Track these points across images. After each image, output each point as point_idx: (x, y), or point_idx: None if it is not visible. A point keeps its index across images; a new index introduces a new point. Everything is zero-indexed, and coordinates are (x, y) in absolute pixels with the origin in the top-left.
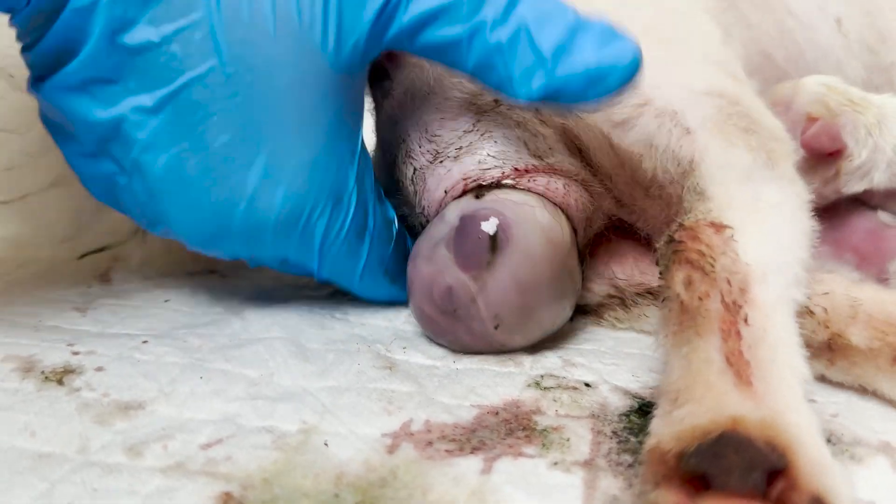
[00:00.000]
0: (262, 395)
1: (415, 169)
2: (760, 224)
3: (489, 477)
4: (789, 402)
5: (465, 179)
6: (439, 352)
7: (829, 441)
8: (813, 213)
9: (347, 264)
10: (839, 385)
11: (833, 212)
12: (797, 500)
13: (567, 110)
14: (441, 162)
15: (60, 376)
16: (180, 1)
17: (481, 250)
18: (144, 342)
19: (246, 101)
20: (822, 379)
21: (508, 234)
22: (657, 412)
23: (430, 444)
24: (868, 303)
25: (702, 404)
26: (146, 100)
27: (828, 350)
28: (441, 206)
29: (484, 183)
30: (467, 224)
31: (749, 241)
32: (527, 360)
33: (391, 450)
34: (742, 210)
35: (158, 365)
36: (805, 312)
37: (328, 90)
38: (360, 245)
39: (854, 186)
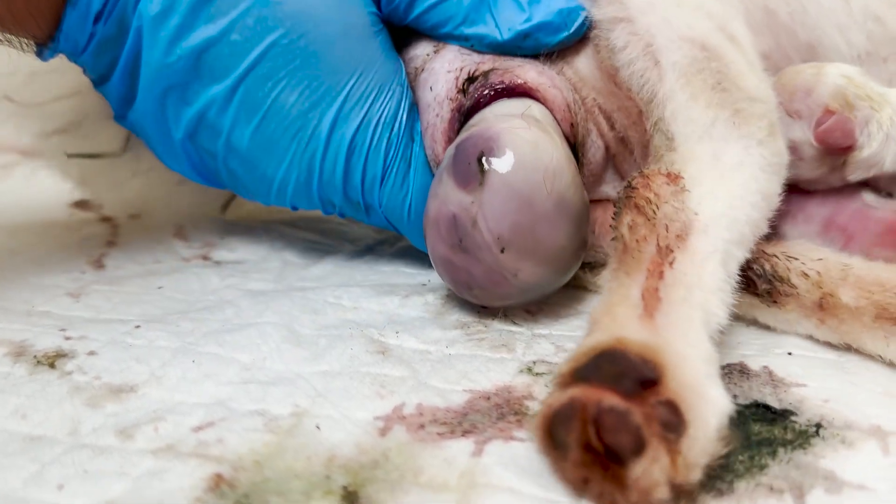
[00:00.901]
0: (254, 379)
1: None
2: (716, 182)
3: (480, 459)
4: (684, 336)
5: (451, 72)
6: (433, 335)
7: (818, 426)
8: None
9: (399, 194)
10: (832, 374)
11: (822, 191)
12: (651, 398)
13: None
14: (423, 69)
15: (52, 360)
16: None
17: (474, 166)
18: (137, 327)
19: (304, 62)
20: (810, 338)
21: (498, 148)
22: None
23: (421, 426)
24: (858, 267)
25: (604, 332)
26: (219, 89)
27: (819, 309)
28: (445, 124)
29: (474, 73)
30: (461, 146)
31: (703, 194)
32: (520, 347)
33: (383, 432)
34: (701, 166)
35: (150, 349)
36: (801, 275)
37: (370, 34)
38: (408, 172)
39: (860, 176)
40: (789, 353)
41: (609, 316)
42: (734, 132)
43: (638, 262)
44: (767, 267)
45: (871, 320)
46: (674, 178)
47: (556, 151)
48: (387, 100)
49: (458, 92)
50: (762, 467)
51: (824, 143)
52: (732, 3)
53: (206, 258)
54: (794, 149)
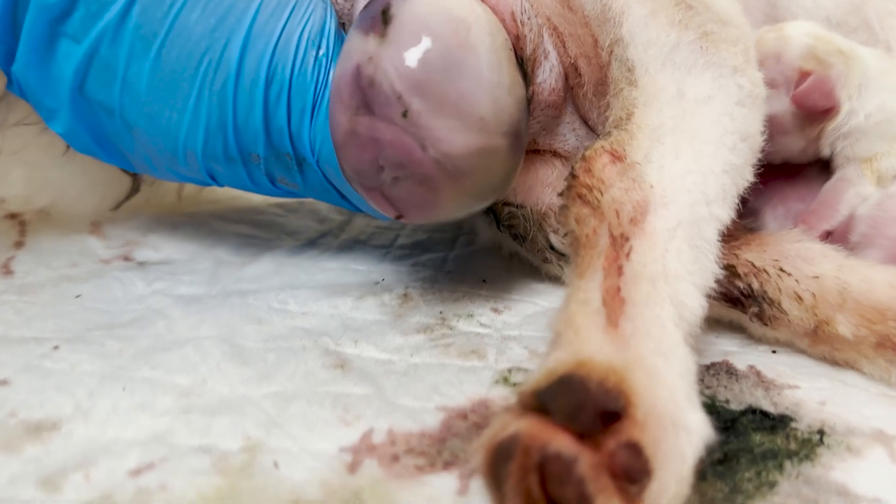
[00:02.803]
0: (195, 406)
1: None
2: (679, 129)
3: (466, 499)
4: (654, 346)
5: None
6: (394, 342)
7: (822, 432)
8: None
9: None
10: (821, 373)
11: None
12: (610, 442)
13: None
14: None
15: None
16: None
17: (380, 13)
18: (55, 348)
19: None
20: (801, 352)
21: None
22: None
23: (395, 458)
24: (856, 287)
25: (566, 350)
26: (111, 15)
27: (812, 335)
28: None
29: None
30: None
31: (663, 155)
32: (490, 352)
33: (352, 468)
34: (664, 108)
35: (73, 375)
36: (794, 298)
37: None
38: None
39: (827, 151)
40: (774, 351)
41: (571, 328)
42: (701, 58)
43: (591, 260)
44: (756, 286)
45: (871, 349)
46: (616, 156)
47: (478, 8)
48: (308, 12)
49: None
50: (772, 485)
51: (804, 106)
52: None
53: (127, 259)
54: (773, 121)
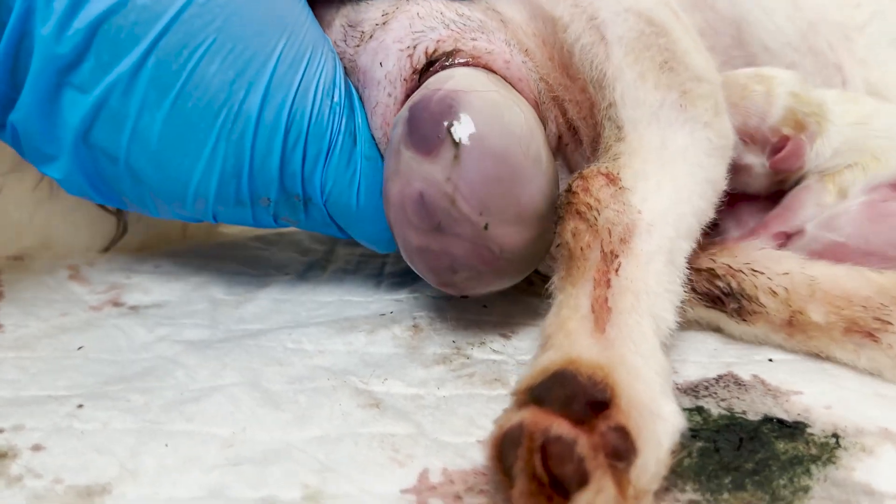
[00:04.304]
0: (243, 457)
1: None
2: (662, 173)
3: None
4: (636, 349)
5: (403, 51)
6: (417, 375)
7: (836, 436)
8: None
9: (346, 174)
10: (818, 378)
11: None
12: (601, 425)
13: None
14: (371, 37)
15: None
16: None
17: (438, 132)
18: (79, 406)
19: (227, 22)
20: (779, 347)
21: (463, 109)
22: (532, 357)
23: (458, 497)
24: (823, 279)
25: (557, 350)
26: (124, 67)
27: (788, 325)
28: (399, 105)
29: (434, 53)
30: (416, 110)
31: (648, 190)
32: (512, 379)
33: None
34: (647, 157)
35: (107, 434)
36: (769, 293)
37: None
38: (354, 148)
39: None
40: (770, 360)
41: (562, 331)
42: (680, 115)
43: (584, 271)
44: (734, 284)
45: (841, 334)
46: (612, 178)
47: (527, 111)
48: (321, 63)
49: (413, 73)
50: (805, 490)
51: (780, 169)
52: None
53: (117, 304)
54: (745, 170)
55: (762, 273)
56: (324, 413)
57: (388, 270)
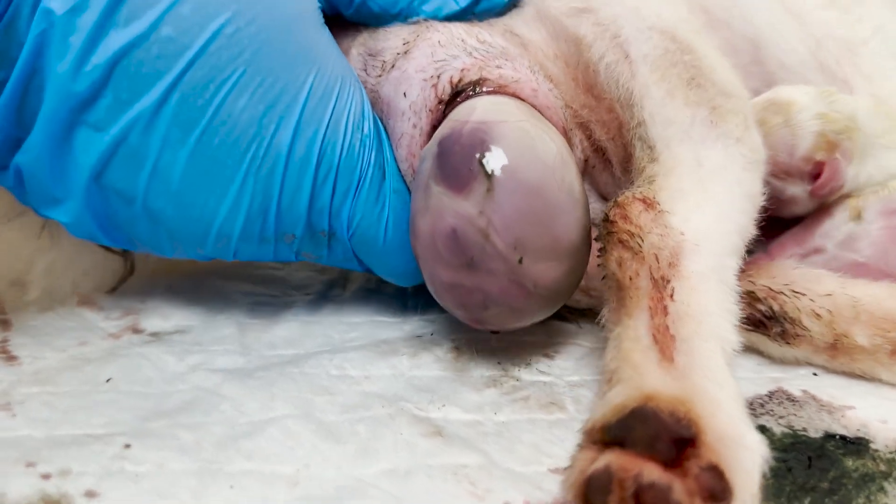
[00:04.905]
0: (314, 496)
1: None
2: (701, 191)
3: None
4: (710, 377)
5: (426, 80)
6: (471, 400)
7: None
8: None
9: (374, 208)
10: (866, 392)
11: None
12: (693, 466)
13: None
14: (394, 66)
15: None
16: None
17: (471, 167)
18: (127, 447)
19: (255, 55)
20: (821, 368)
21: (495, 141)
22: (597, 393)
23: None
24: (866, 301)
25: (627, 384)
26: (145, 104)
27: (831, 349)
28: (425, 137)
29: (459, 82)
30: (446, 145)
31: (688, 210)
32: (568, 402)
33: None
34: (683, 177)
35: (164, 476)
36: (812, 315)
37: (321, 23)
38: (383, 181)
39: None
40: (815, 374)
41: (629, 365)
42: (712, 132)
43: (637, 301)
44: (776, 307)
45: (887, 357)
46: (649, 203)
47: (558, 140)
48: (351, 94)
49: (438, 103)
50: None
51: (822, 195)
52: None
53: (136, 330)
54: (791, 201)
55: (804, 294)
56: (387, 444)
57: (412, 289)
